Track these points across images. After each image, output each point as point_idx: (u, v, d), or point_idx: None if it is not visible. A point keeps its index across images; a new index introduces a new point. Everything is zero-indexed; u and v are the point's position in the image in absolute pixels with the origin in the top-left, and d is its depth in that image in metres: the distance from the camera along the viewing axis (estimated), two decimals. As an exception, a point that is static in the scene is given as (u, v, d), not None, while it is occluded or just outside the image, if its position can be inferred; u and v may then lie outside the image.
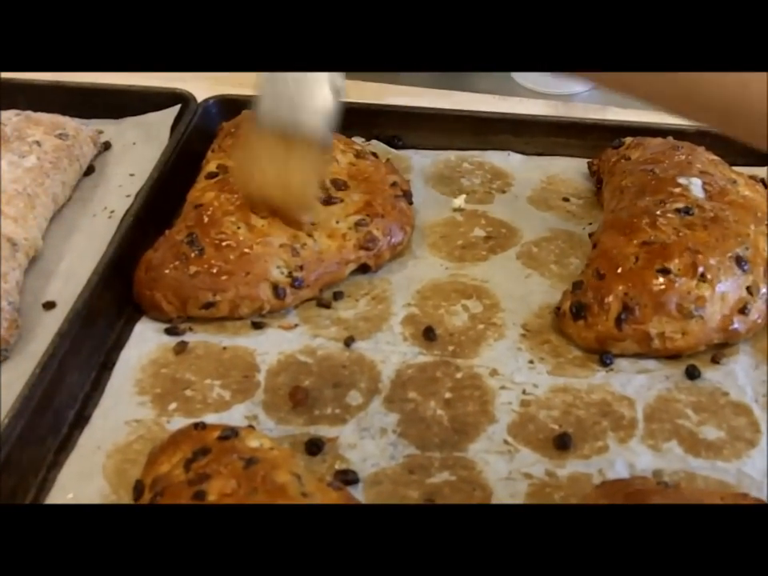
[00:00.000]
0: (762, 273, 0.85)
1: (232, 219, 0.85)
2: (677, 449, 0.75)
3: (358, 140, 1.04)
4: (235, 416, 0.77)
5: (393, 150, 1.04)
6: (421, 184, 1.01)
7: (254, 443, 0.67)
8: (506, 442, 0.76)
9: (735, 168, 0.98)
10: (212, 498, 0.62)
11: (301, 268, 0.85)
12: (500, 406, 0.79)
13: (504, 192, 1.02)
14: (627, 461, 0.74)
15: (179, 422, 0.74)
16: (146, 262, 0.85)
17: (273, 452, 0.67)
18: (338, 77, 0.78)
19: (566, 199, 1.01)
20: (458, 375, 0.81)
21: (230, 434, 0.68)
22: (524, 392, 0.80)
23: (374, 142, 1.05)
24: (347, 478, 0.72)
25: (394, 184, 0.94)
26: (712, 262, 0.83)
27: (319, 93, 0.78)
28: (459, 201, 0.99)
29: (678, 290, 0.82)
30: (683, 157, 0.94)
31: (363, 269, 0.90)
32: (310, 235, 0.87)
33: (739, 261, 0.84)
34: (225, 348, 0.82)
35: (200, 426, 0.70)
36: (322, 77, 0.77)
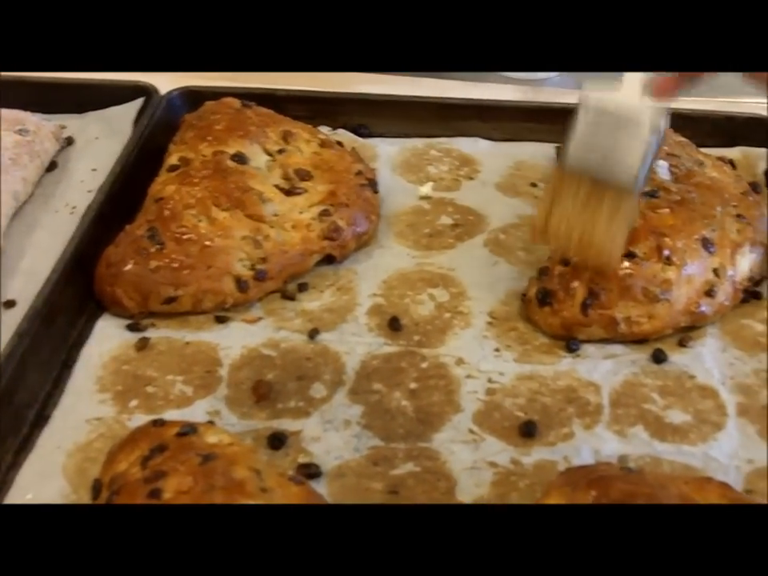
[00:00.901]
0: (729, 255, 0.84)
1: (193, 212, 0.84)
2: (642, 434, 0.75)
3: (324, 129, 1.03)
4: (197, 412, 0.76)
5: (359, 139, 1.04)
6: (387, 172, 1.01)
7: (212, 439, 0.66)
8: (471, 431, 0.75)
9: (703, 149, 0.98)
10: (168, 495, 0.61)
11: (264, 260, 0.84)
12: (465, 394, 0.78)
13: (471, 179, 1.01)
14: (593, 447, 0.74)
15: (140, 419, 0.74)
16: (106, 257, 0.84)
17: (232, 447, 0.66)
18: (660, 114, 0.74)
19: (534, 185, 1.00)
20: (424, 365, 0.80)
21: (188, 430, 0.67)
22: (490, 380, 0.79)
23: (340, 130, 1.04)
24: (310, 471, 0.71)
25: (358, 173, 0.93)
26: (678, 244, 0.82)
27: (640, 141, 0.73)
28: (426, 188, 0.98)
29: (643, 273, 0.81)
30: (650, 139, 0.93)
31: (328, 259, 0.89)
32: (272, 227, 0.86)
33: (706, 243, 0.83)
34: (187, 343, 0.82)
35: (159, 423, 0.69)
36: (644, 120, 0.73)
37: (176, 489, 0.61)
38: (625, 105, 0.73)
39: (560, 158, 0.77)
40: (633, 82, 0.73)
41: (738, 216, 0.87)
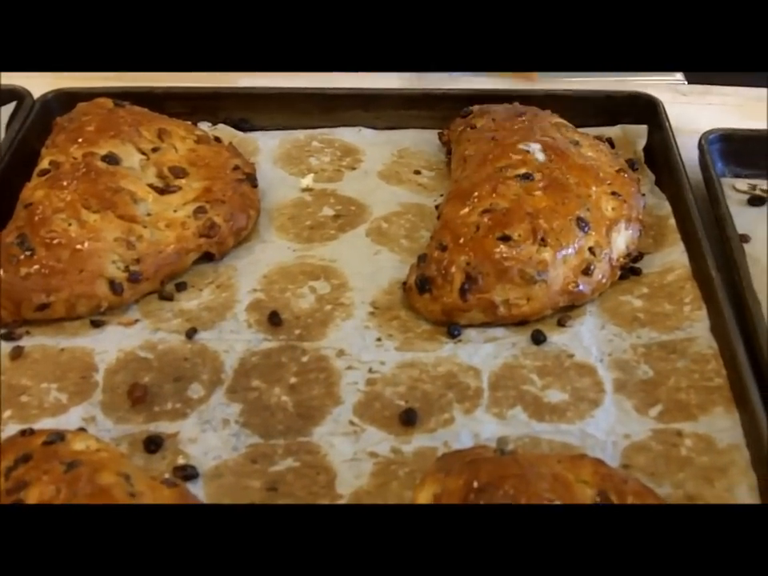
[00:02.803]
0: (605, 233, 0.85)
1: (62, 216, 0.82)
2: (521, 415, 0.75)
3: (204, 125, 1.02)
4: (72, 419, 0.74)
5: (239, 133, 1.02)
6: (269, 166, 0.99)
7: (79, 446, 0.65)
8: (351, 422, 0.75)
9: (582, 129, 0.98)
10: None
11: (138, 261, 0.83)
12: (346, 386, 0.77)
13: (354, 169, 1.00)
14: (472, 431, 0.74)
15: (14, 430, 0.71)
16: (-25, 267, 0.82)
17: (99, 453, 0.65)
18: None
19: (417, 172, 1.00)
20: (304, 359, 0.80)
21: (54, 438, 0.65)
22: (370, 370, 0.79)
23: (220, 126, 1.03)
24: (186, 473, 0.70)
25: (236, 168, 0.92)
26: (552, 225, 0.83)
27: None
28: (307, 180, 0.97)
29: (518, 256, 0.81)
30: (525, 122, 0.94)
31: (207, 257, 0.88)
32: (146, 227, 0.84)
33: (580, 222, 0.84)
34: (62, 350, 0.80)
35: (27, 433, 0.67)
36: None
37: (38, 498, 0.60)
38: None
39: None
40: None
41: (613, 194, 0.88)
